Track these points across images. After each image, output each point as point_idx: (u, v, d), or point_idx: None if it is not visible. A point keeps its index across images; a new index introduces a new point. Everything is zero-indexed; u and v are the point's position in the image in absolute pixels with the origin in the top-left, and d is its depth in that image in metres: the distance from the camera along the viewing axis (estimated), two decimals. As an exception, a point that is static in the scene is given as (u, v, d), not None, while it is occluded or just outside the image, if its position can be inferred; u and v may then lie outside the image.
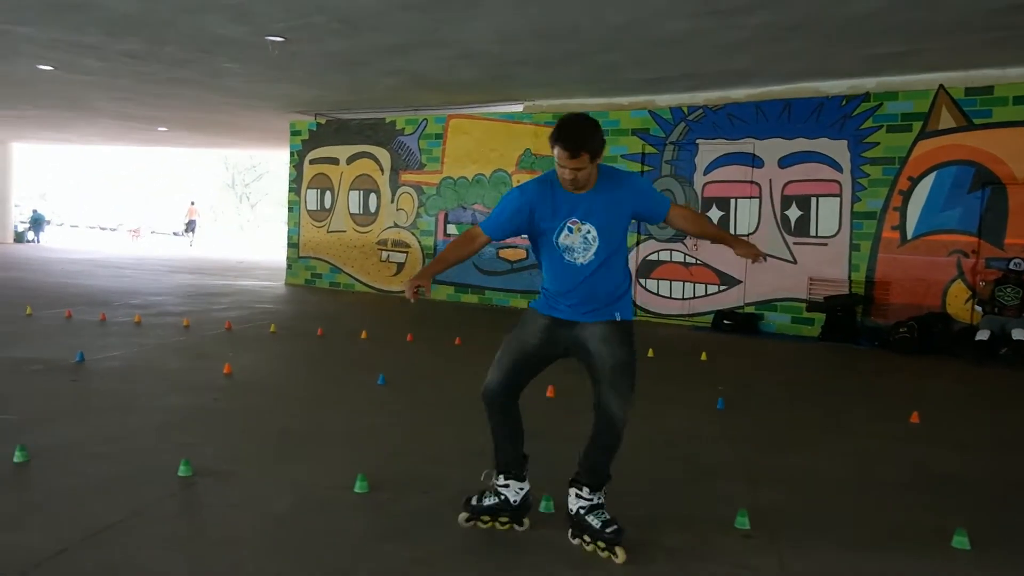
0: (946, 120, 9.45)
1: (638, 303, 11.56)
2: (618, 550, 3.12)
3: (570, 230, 3.16)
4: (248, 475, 3.98)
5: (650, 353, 8.10)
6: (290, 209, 15.54)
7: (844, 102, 10.03)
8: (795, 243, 10.45)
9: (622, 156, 11.66)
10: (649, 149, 11.48)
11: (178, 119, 16.52)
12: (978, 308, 8.97)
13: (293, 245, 15.41)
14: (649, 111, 11.48)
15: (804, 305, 10.34)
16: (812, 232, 10.33)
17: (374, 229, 14.32)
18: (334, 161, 14.76)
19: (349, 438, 4.74)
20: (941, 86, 9.45)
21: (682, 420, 5.50)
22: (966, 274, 9.37)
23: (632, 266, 11.52)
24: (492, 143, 12.84)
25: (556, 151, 3.02)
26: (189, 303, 11.22)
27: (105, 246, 26.90)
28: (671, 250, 11.41)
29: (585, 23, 7.97)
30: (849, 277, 10.08)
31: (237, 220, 56.71)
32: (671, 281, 11.43)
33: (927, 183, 9.57)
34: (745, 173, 10.74)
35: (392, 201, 14.07)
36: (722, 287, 11.01)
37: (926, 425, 5.60)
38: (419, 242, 13.76)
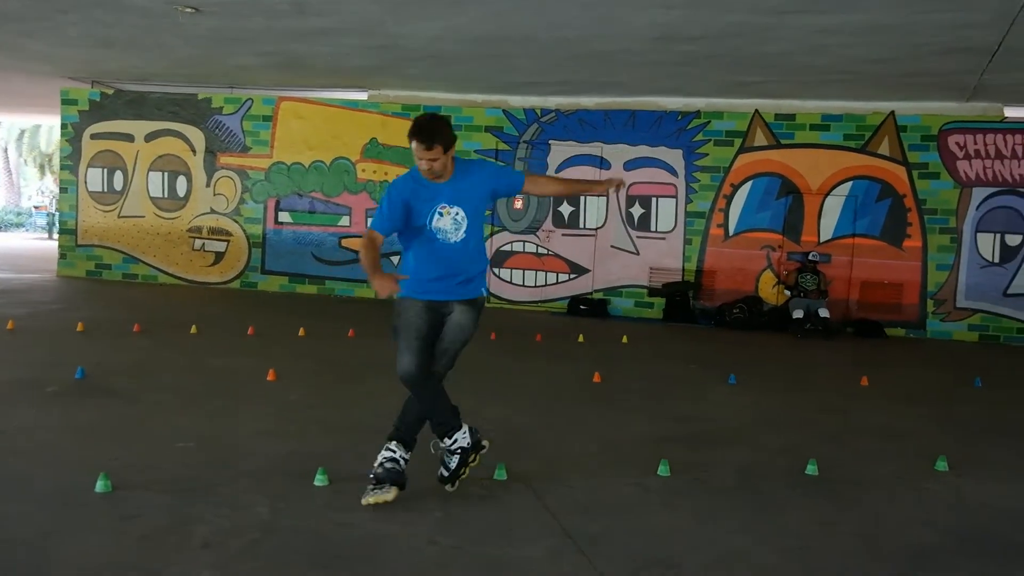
0: (760, 139, 11.56)
1: (493, 291, 12.22)
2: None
3: (440, 214, 3.69)
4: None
5: (538, 338, 8.97)
6: (63, 190, 13.37)
7: (680, 117, 11.70)
8: (638, 237, 11.93)
9: (476, 151, 12.15)
10: (503, 146, 12.14)
11: None
12: (787, 292, 11.19)
13: (68, 231, 13.29)
14: (503, 110, 12.14)
15: (646, 291, 11.89)
16: (652, 227, 11.89)
17: (183, 215, 12.98)
18: (127, 137, 13.03)
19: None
20: (756, 110, 11.52)
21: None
22: (773, 264, 11.61)
23: (487, 256, 12.17)
24: (333, 130, 12.45)
25: (413, 145, 3.61)
26: None
27: None
28: (524, 241, 12.24)
29: (442, 33, 8.35)
30: (683, 267, 11.82)
31: None
32: (524, 270, 12.26)
33: (745, 190, 11.62)
34: (594, 174, 11.94)
35: (208, 185, 12.89)
36: (572, 275, 12.14)
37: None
38: (244, 230, 12.83)
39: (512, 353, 8.10)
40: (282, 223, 12.77)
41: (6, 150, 32.78)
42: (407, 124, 13.23)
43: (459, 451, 3.78)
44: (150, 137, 12.97)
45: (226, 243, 12.89)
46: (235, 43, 9.49)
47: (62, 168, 13.43)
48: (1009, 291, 10.95)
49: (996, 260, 10.98)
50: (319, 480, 3.79)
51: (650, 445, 4.81)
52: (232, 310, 10.44)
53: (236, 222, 12.85)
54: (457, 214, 3.70)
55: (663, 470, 4.22)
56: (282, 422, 4.95)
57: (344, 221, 12.58)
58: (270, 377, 5.97)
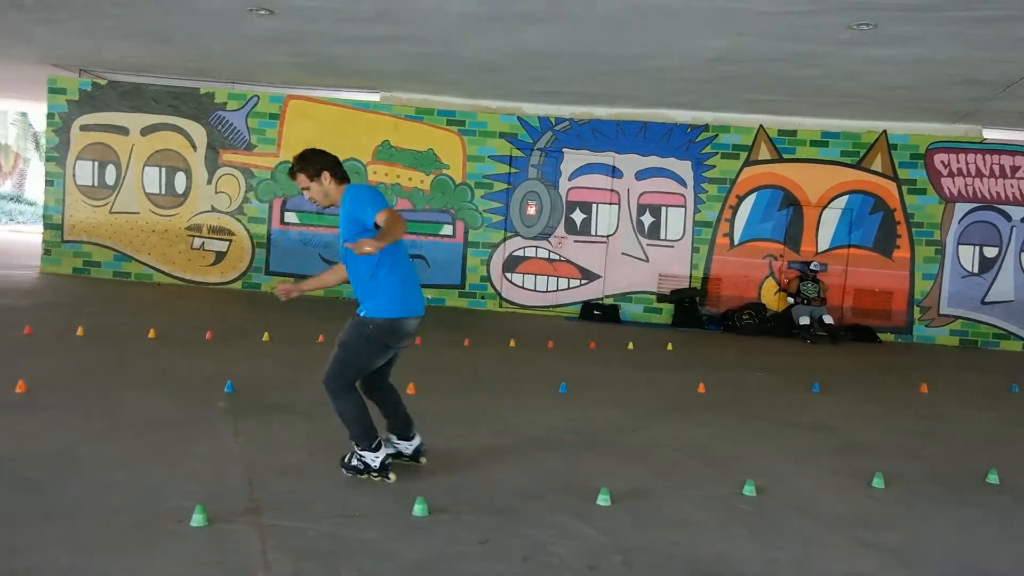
0: (764, 153, 12.16)
1: (504, 296, 12.40)
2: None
3: (340, 238, 4.03)
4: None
5: (550, 344, 9.24)
6: (49, 183, 12.70)
7: (689, 129, 12.17)
8: (648, 244, 12.35)
9: (490, 157, 12.32)
10: (517, 153, 12.32)
11: None
12: (790, 299, 11.84)
13: (54, 226, 12.64)
14: (518, 117, 12.31)
15: (655, 297, 12.33)
16: (662, 236, 12.33)
17: (182, 212, 12.57)
18: (121, 130, 12.50)
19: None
20: (761, 126, 12.11)
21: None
22: (775, 273, 12.25)
23: (499, 260, 12.36)
24: (344, 130, 12.32)
25: None
26: None
27: None
28: (536, 247, 12.46)
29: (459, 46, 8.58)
30: (690, 274, 12.31)
31: None
32: (536, 276, 12.49)
33: (750, 201, 12.21)
34: (606, 182, 12.29)
35: (209, 182, 12.52)
36: (584, 281, 12.45)
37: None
38: (247, 230, 12.54)
39: (588, 361, 8.34)
40: (288, 223, 12.54)
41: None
42: (420, 127, 13.54)
43: (360, 464, 4.06)
44: (147, 131, 12.48)
45: (228, 242, 12.57)
46: (279, 43, 9.33)
47: (48, 159, 12.76)
48: (986, 299, 11.94)
49: (975, 270, 11.95)
50: (601, 500, 3.94)
51: (836, 455, 5.14)
52: (256, 313, 10.22)
53: (239, 221, 12.54)
54: (342, 240, 3.92)
55: (878, 481, 4.52)
56: (503, 438, 5.04)
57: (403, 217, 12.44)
58: (410, 391, 5.99)
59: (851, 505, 4.27)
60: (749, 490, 4.27)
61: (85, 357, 6.61)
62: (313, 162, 3.95)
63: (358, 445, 4.05)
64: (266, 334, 8.15)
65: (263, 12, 7.88)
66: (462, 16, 7.58)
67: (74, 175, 12.52)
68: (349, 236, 3.87)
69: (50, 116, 12.57)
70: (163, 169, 12.53)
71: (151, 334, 7.72)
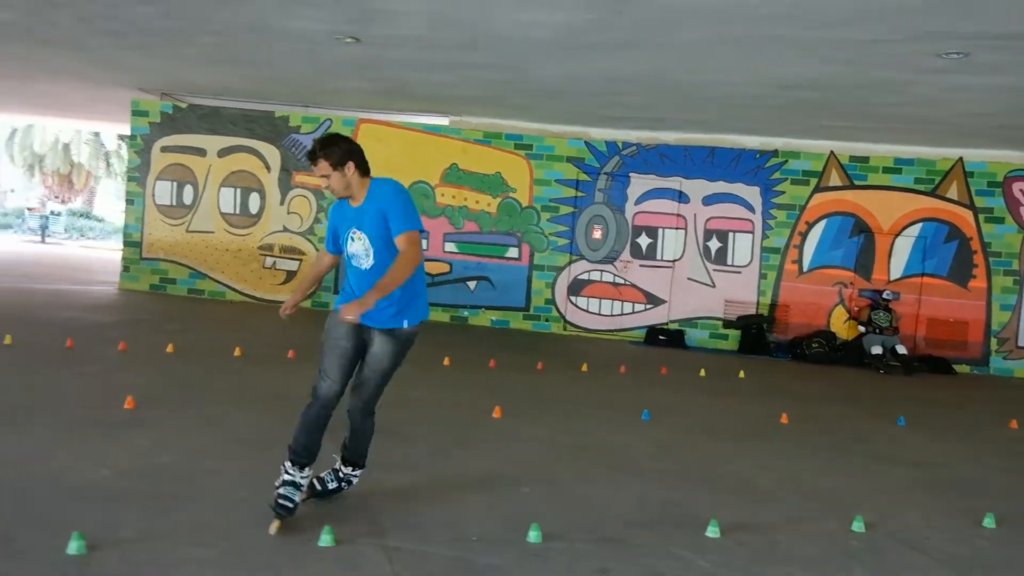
0: (835, 179, 12.03)
1: (568, 319, 12.43)
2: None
3: (352, 239, 3.66)
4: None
5: (622, 369, 9.20)
6: (130, 202, 13.15)
7: (758, 155, 12.11)
8: (714, 270, 12.27)
9: (556, 180, 12.41)
10: (583, 177, 12.39)
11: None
12: (861, 328, 11.63)
13: (133, 244, 13.07)
14: (585, 142, 12.39)
15: (720, 323, 12.23)
16: (729, 261, 12.25)
17: (255, 232, 12.90)
18: (199, 152, 12.91)
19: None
20: (832, 152, 11.99)
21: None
22: (845, 301, 12.06)
23: (564, 283, 12.41)
24: (413, 153, 12.53)
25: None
26: (22, 314, 9.31)
27: None
28: (601, 271, 12.48)
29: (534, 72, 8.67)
30: (757, 300, 12.20)
31: None
32: (600, 299, 12.49)
33: (819, 228, 12.07)
34: (672, 207, 12.28)
35: (282, 203, 12.84)
36: (648, 305, 12.41)
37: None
38: (317, 249, 12.79)
39: (662, 387, 8.32)
40: (357, 244, 12.76)
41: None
42: (488, 151, 13.70)
43: (345, 483, 3.96)
44: (223, 152, 12.87)
45: (298, 262, 12.84)
46: (358, 69, 9.57)
47: (129, 180, 13.22)
48: (1066, 332, 11.58)
49: (1055, 303, 11.61)
50: (711, 532, 3.93)
51: (938, 492, 5.05)
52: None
53: (309, 241, 12.81)
54: (364, 240, 3.60)
55: (988, 521, 4.42)
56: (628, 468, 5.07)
57: (422, 244, 12.62)
58: (496, 414, 6.07)
59: (964, 544, 4.18)
60: (858, 526, 4.21)
61: (179, 374, 6.81)
62: (339, 149, 3.56)
63: (359, 467, 4.00)
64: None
65: (349, 40, 8.10)
66: (541, 43, 7.70)
67: (153, 195, 12.95)
68: (377, 235, 3.56)
69: (132, 138, 13.06)
70: (238, 190, 12.89)
71: (237, 352, 7.92)
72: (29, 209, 28.50)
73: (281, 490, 3.59)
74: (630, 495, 4.53)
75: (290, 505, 3.56)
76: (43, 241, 25.26)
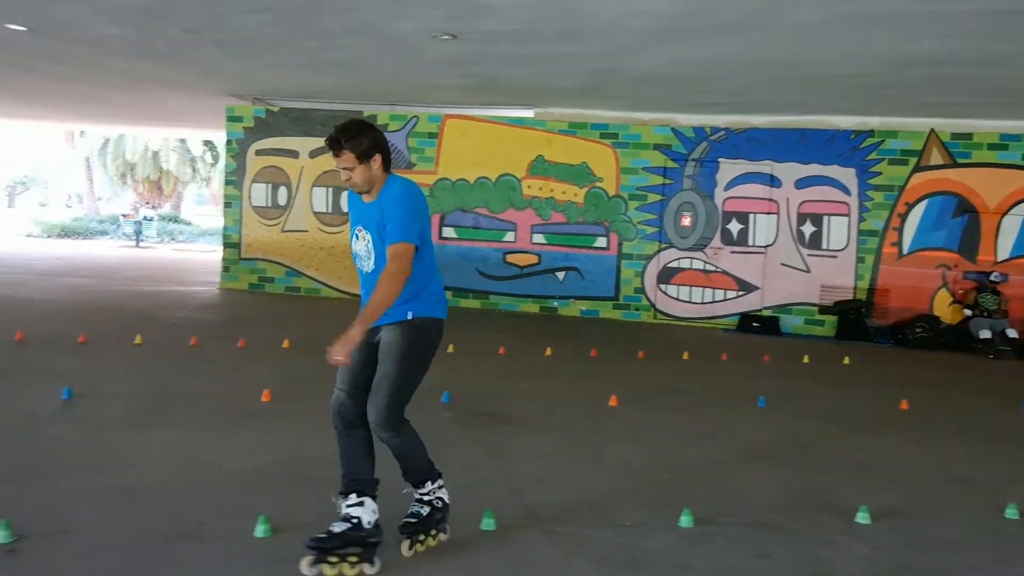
0: (936, 158, 11.61)
1: (658, 307, 12.36)
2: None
3: (356, 237, 3.34)
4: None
5: (723, 356, 9.12)
6: (227, 204, 13.64)
7: (853, 135, 11.79)
8: (809, 255, 12.01)
9: (643, 168, 12.33)
10: (671, 164, 12.28)
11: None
12: (967, 311, 11.22)
13: (232, 245, 13.56)
14: (672, 128, 12.28)
15: (816, 309, 11.98)
16: (824, 246, 11.97)
17: (346, 230, 13.17)
18: (291, 154, 13.29)
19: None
20: (932, 130, 11.58)
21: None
22: (949, 283, 11.65)
23: (653, 272, 12.33)
24: (498, 146, 12.64)
25: (331, 153, 3.23)
26: (141, 315, 9.67)
27: None
28: (691, 258, 12.35)
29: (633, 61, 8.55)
30: (855, 284, 11.89)
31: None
32: (691, 287, 12.38)
33: (920, 208, 11.68)
34: (764, 191, 12.06)
35: (372, 201, 13.10)
36: (740, 292, 12.24)
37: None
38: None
39: (768, 374, 8.23)
40: (446, 238, 12.96)
41: (88, 159, 33.37)
42: (573, 141, 13.57)
43: (353, 521, 3.18)
44: (315, 153, 13.21)
45: (389, 258, 13.09)
46: (450, 65, 9.70)
47: (226, 183, 13.71)
48: None
49: None
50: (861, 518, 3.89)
51: None
52: (453, 326, 10.51)
53: (400, 237, 13.04)
54: (368, 240, 3.28)
55: None
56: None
57: (509, 236, 12.75)
58: (612, 402, 6.13)
59: None
60: (1012, 512, 4.11)
61: (300, 367, 7.06)
62: (367, 139, 3.17)
63: (432, 480, 3.41)
64: (451, 346, 8.44)
65: (446, 37, 8.22)
66: (644, 31, 7.66)
67: (250, 197, 13.40)
68: (380, 236, 3.22)
69: (229, 143, 13.52)
70: (329, 189, 13.23)
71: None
72: (123, 215, 29.76)
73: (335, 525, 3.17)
74: (772, 482, 4.51)
75: (323, 535, 3.13)
76: (137, 245, 26.38)
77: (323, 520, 3.51)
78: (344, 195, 13.13)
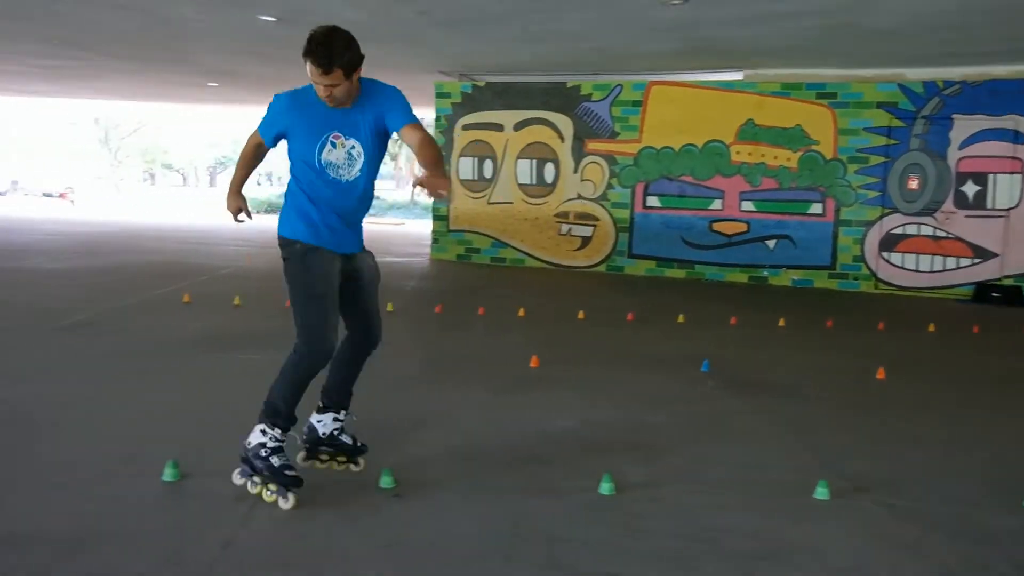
0: None
1: (879, 276, 11.69)
2: (361, 460, 3.57)
3: (333, 145, 3.16)
4: None
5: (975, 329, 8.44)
6: (438, 178, 14.26)
7: (1118, 83, 10.51)
8: (1059, 217, 10.91)
9: (865, 129, 11.63)
10: (896, 123, 11.50)
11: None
12: None
13: (441, 218, 14.21)
14: (899, 84, 11.47)
15: (1068, 277, 10.88)
16: (1079, 207, 10.83)
17: (551, 201, 13.46)
18: (496, 127, 13.67)
19: None
20: None
21: None
22: None
23: (874, 239, 11.66)
24: (704, 112, 12.36)
25: (308, 67, 3.01)
26: (384, 285, 10.19)
27: (65, 213, 23.63)
28: (919, 224, 11.57)
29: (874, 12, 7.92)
30: (1118, 250, 10.68)
31: (112, 180, 51.55)
32: (918, 255, 11.61)
33: None
34: (1007, 149, 11.03)
35: (576, 171, 13.26)
36: (976, 260, 11.33)
37: None
38: (610, 215, 13.10)
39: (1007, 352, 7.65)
40: (650, 207, 12.90)
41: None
42: (786, 103, 12.90)
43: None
44: (519, 126, 13.52)
45: (592, 228, 13.24)
46: (671, 31, 9.57)
47: (435, 159, 14.34)
48: None
49: None
50: None
51: None
52: (668, 296, 10.55)
53: (603, 207, 13.14)
54: (353, 148, 3.18)
55: None
56: None
57: (716, 204, 12.49)
58: (879, 375, 5.93)
59: None
60: None
61: (546, 335, 7.31)
62: (355, 54, 3.07)
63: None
64: (681, 316, 8.44)
65: (677, 2, 8.10)
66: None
67: (457, 171, 13.94)
68: (370, 142, 3.21)
69: (438, 119, 14.10)
70: (534, 161, 13.51)
71: (580, 315, 8.34)
72: None
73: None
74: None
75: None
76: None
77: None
78: (548, 166, 13.36)
